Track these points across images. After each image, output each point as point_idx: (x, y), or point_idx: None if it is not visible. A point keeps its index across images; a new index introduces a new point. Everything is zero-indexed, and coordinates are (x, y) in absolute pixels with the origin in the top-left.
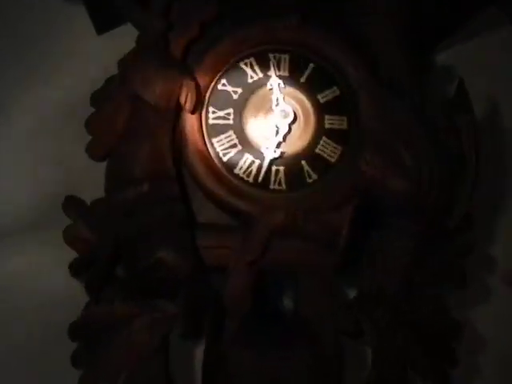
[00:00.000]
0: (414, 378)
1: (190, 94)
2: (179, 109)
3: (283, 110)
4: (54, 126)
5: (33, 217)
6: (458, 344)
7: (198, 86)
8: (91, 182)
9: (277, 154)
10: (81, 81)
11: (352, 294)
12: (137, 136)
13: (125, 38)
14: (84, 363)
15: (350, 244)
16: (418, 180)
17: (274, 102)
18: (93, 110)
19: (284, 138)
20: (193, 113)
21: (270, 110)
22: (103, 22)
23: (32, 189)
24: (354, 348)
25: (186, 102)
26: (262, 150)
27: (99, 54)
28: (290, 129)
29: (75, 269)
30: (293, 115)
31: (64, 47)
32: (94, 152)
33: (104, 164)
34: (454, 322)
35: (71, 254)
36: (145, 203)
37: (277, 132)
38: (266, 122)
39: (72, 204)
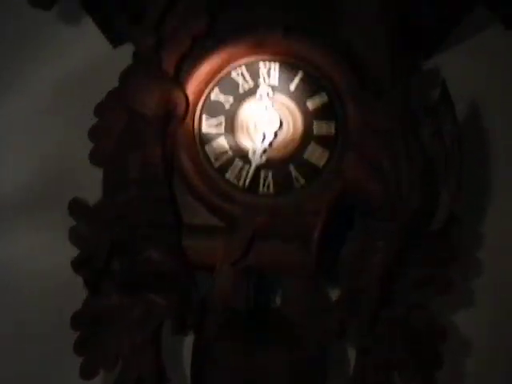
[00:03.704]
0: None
1: (179, 103)
2: (170, 118)
3: (270, 118)
4: (50, 109)
5: (30, 200)
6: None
7: (186, 96)
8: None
9: (263, 160)
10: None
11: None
12: (130, 144)
13: None
14: (85, 351)
15: (325, 245)
16: (396, 181)
17: (263, 111)
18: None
19: (271, 145)
20: (183, 121)
21: (259, 118)
22: (115, 38)
23: (30, 171)
24: (336, 349)
25: (175, 111)
26: (250, 157)
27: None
28: (276, 136)
29: (76, 265)
30: (279, 123)
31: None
32: (95, 158)
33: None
34: (440, 328)
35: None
36: (135, 206)
37: (263, 139)
38: (255, 130)
39: (76, 206)
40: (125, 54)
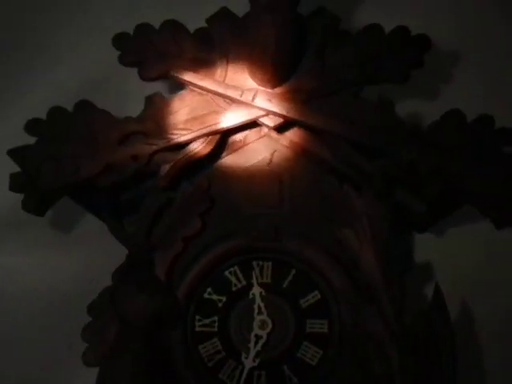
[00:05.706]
0: None
1: (170, 315)
2: (162, 324)
3: (262, 321)
4: None
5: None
6: None
7: (178, 306)
8: None
9: (256, 363)
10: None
11: None
12: (121, 352)
13: None
14: None
15: None
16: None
17: (256, 311)
18: None
19: (263, 347)
20: (173, 329)
21: (252, 319)
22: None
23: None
24: None
25: (167, 318)
26: (242, 359)
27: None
28: (269, 338)
29: None
30: (271, 326)
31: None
32: (88, 360)
33: None
34: None
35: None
36: None
37: (256, 342)
38: (248, 332)
39: None
40: None
